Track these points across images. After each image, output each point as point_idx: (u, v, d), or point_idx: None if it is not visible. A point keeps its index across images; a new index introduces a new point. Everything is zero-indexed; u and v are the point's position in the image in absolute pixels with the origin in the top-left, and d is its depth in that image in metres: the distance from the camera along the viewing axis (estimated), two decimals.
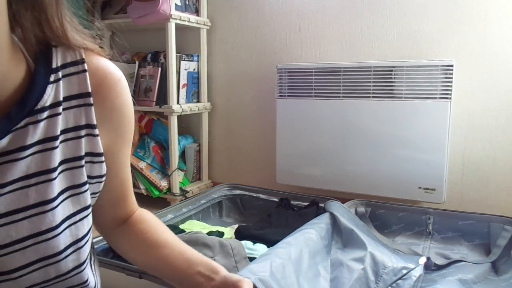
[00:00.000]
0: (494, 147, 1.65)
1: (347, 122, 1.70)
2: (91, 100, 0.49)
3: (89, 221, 0.52)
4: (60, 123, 0.47)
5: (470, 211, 1.45)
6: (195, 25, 2.06)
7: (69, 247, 0.49)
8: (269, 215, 1.55)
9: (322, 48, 1.92)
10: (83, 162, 0.50)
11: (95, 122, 0.50)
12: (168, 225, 1.41)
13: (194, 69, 2.13)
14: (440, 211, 1.44)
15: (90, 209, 0.52)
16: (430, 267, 1.15)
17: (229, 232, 1.44)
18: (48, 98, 0.45)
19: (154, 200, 2.03)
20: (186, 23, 1.99)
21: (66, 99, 0.48)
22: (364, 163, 1.69)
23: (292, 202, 1.60)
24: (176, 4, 1.94)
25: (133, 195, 0.65)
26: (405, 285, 1.07)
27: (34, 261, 0.46)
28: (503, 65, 1.60)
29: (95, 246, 1.16)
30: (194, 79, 2.14)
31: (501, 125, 1.63)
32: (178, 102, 2.02)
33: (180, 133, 2.12)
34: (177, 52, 1.99)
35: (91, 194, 0.52)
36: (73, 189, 0.49)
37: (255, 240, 1.31)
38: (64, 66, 0.48)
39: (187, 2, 2.03)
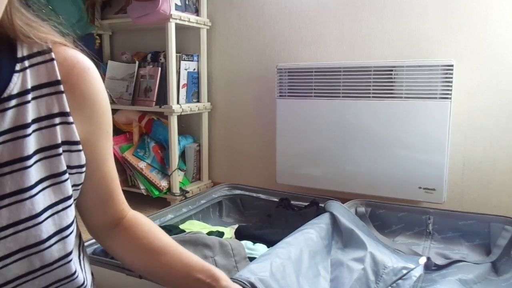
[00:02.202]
0: (494, 147, 1.65)
1: (347, 122, 1.70)
2: (62, 87, 0.50)
3: (72, 211, 0.52)
4: (31, 112, 0.47)
5: (470, 211, 1.45)
6: (195, 25, 2.06)
7: (53, 236, 0.49)
8: (269, 215, 1.55)
9: (322, 48, 1.92)
10: (60, 150, 0.50)
11: (68, 110, 0.50)
12: (168, 225, 1.41)
13: (194, 69, 2.13)
14: (440, 211, 1.44)
15: (72, 200, 0.52)
16: (430, 267, 1.15)
17: (229, 232, 1.44)
18: (14, 86, 0.46)
19: (154, 200, 2.03)
20: (186, 23, 1.99)
21: (36, 88, 0.48)
22: (364, 163, 1.69)
23: (292, 202, 1.60)
24: (176, 4, 1.94)
25: (122, 194, 0.64)
26: (405, 285, 1.07)
27: (16, 250, 0.46)
28: (503, 65, 1.60)
29: (95, 246, 1.16)
30: (194, 79, 2.14)
31: (501, 125, 1.63)
32: (178, 102, 2.02)
33: (180, 133, 2.12)
34: (177, 52, 1.99)
35: (72, 186, 0.53)
36: (52, 178, 0.50)
37: (255, 240, 1.31)
38: (30, 56, 0.48)
39: (187, 2, 2.03)
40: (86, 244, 1.13)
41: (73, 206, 0.53)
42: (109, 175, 0.60)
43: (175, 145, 1.99)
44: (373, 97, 1.65)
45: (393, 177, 1.65)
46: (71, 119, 0.51)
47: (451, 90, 1.52)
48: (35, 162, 0.48)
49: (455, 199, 1.73)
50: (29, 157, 0.47)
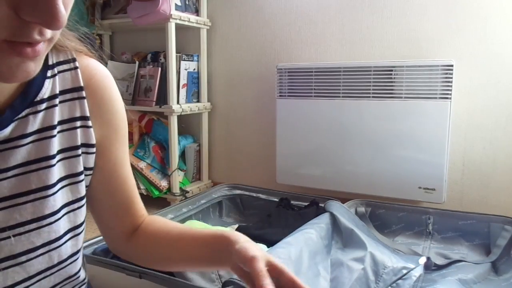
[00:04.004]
0: (494, 147, 1.65)
1: (347, 122, 1.70)
2: (84, 93, 0.53)
3: (84, 211, 0.56)
4: (57, 114, 0.51)
5: (470, 211, 1.45)
6: (195, 25, 2.06)
7: (68, 233, 0.52)
8: (269, 215, 1.55)
9: (322, 48, 1.92)
10: (79, 151, 0.53)
11: (88, 114, 0.54)
12: None
13: (194, 69, 2.13)
14: (440, 211, 1.44)
15: (85, 200, 0.55)
16: (430, 267, 1.15)
17: None
18: (46, 91, 0.49)
19: (154, 200, 2.03)
20: (186, 23, 1.99)
21: (62, 92, 0.51)
22: (364, 163, 1.69)
23: (292, 202, 1.60)
24: (176, 4, 1.94)
25: (141, 201, 0.65)
26: (405, 285, 1.07)
27: (39, 246, 0.49)
28: (503, 65, 1.60)
29: (95, 246, 1.16)
30: (194, 79, 2.14)
31: (501, 125, 1.63)
32: (178, 102, 2.02)
33: (180, 133, 2.12)
34: (177, 52, 1.99)
35: (86, 187, 0.56)
36: (71, 177, 0.53)
37: (255, 240, 1.31)
38: (58, 63, 0.52)
39: (187, 2, 2.03)
40: (85, 244, 1.14)
41: (85, 206, 0.56)
42: (127, 181, 0.62)
43: (175, 145, 1.99)
44: (373, 97, 1.65)
45: (393, 177, 1.65)
46: (90, 123, 0.54)
47: (451, 90, 1.52)
48: (57, 162, 0.51)
49: (455, 199, 1.73)
50: (53, 156, 0.50)
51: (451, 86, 1.52)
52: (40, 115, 0.49)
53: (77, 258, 0.54)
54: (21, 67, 0.37)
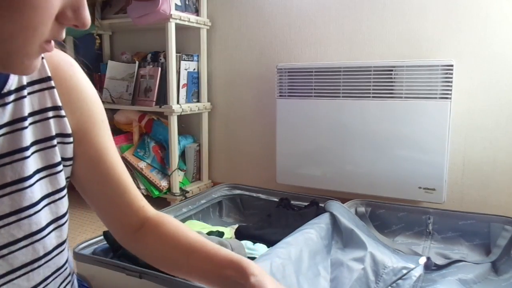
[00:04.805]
0: (494, 147, 1.65)
1: (347, 122, 1.70)
2: (52, 83, 0.54)
3: (66, 201, 0.56)
4: (27, 106, 0.51)
5: (470, 211, 1.45)
6: (195, 25, 2.06)
7: (50, 224, 0.53)
8: (269, 215, 1.55)
9: (322, 48, 1.92)
10: (54, 142, 0.54)
11: (60, 104, 0.54)
12: None
13: (194, 69, 2.13)
14: (440, 211, 1.44)
15: (65, 191, 0.56)
16: (430, 267, 1.15)
17: (229, 232, 1.44)
18: (12, 82, 0.49)
19: (154, 200, 2.03)
20: (186, 23, 1.99)
21: (29, 84, 0.52)
22: (364, 163, 1.69)
23: (292, 202, 1.60)
24: (176, 4, 1.94)
25: (138, 190, 0.64)
26: (405, 285, 1.07)
27: (20, 238, 0.49)
28: (503, 65, 1.60)
29: (95, 246, 1.16)
30: (194, 79, 2.14)
31: (501, 125, 1.63)
32: (178, 102, 2.02)
33: (180, 133, 2.12)
34: (177, 52, 1.99)
35: (66, 178, 0.56)
36: (48, 169, 0.53)
37: (255, 240, 1.31)
38: None
39: (187, 2, 2.03)
40: (84, 245, 1.14)
41: (66, 197, 0.56)
42: (116, 168, 0.61)
43: (175, 145, 1.99)
44: (373, 97, 1.65)
45: (393, 177, 1.65)
46: (63, 112, 0.54)
47: (451, 90, 1.52)
48: (32, 153, 0.51)
49: (455, 199, 1.73)
50: (27, 148, 0.50)
51: (451, 86, 1.52)
52: (9, 107, 0.49)
53: (63, 249, 0.55)
54: (38, 61, 0.43)
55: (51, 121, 0.53)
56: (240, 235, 1.38)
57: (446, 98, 1.53)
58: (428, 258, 1.15)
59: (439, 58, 1.65)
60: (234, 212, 1.74)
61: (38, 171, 0.52)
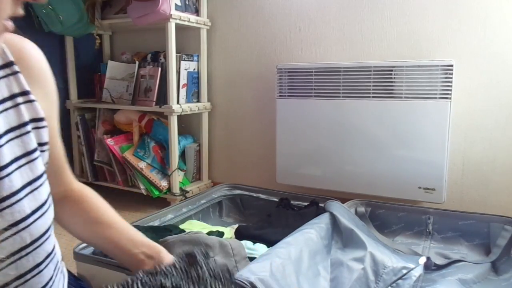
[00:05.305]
0: (494, 147, 1.65)
1: (347, 122, 1.70)
2: (16, 68, 0.52)
3: (47, 187, 0.56)
4: None
5: (470, 211, 1.45)
6: (195, 25, 2.06)
7: (35, 212, 0.52)
8: (269, 215, 1.55)
9: (322, 48, 1.92)
10: (29, 128, 0.53)
11: (28, 88, 0.53)
12: (168, 225, 1.41)
13: (194, 69, 2.13)
14: (440, 211, 1.44)
15: (45, 176, 0.55)
16: (430, 267, 1.15)
17: (229, 232, 1.44)
18: None
19: (154, 200, 2.03)
20: (186, 23, 1.99)
21: None
22: (364, 163, 1.69)
23: (292, 202, 1.60)
24: (176, 4, 1.94)
25: (67, 164, 0.68)
26: (405, 285, 1.07)
27: (5, 228, 0.49)
28: (503, 65, 1.60)
29: None
30: (194, 79, 2.14)
31: (501, 125, 1.63)
32: (178, 102, 2.02)
33: (180, 133, 2.12)
34: (177, 52, 1.99)
35: (45, 164, 0.56)
36: (26, 156, 0.52)
37: (255, 240, 1.31)
38: None
39: (187, 2, 2.03)
40: (84, 245, 1.13)
41: (47, 182, 0.56)
42: (60, 149, 0.65)
43: (175, 145, 1.99)
44: (373, 97, 1.65)
45: (393, 177, 1.65)
46: (32, 97, 0.53)
47: (451, 90, 1.52)
48: (7, 142, 0.50)
49: (455, 199, 1.73)
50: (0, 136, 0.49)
51: (451, 86, 1.52)
52: None
53: (50, 235, 0.55)
54: (2, 40, 0.43)
55: (22, 107, 0.52)
56: (240, 235, 1.38)
57: (446, 98, 1.53)
58: (428, 258, 1.16)
59: (439, 58, 1.65)
60: (234, 212, 1.74)
61: (16, 160, 0.51)
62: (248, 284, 0.84)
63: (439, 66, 1.54)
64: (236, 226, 1.49)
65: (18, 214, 0.49)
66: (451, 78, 1.52)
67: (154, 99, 2.05)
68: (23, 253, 0.51)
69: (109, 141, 2.10)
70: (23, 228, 0.50)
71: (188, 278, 0.57)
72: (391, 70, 1.62)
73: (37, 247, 0.52)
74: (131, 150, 2.10)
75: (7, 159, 0.49)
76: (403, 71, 1.60)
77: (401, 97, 1.61)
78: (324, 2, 1.89)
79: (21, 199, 0.50)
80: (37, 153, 0.53)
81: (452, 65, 1.52)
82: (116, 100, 2.17)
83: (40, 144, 0.54)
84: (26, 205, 0.51)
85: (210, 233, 1.36)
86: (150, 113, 2.15)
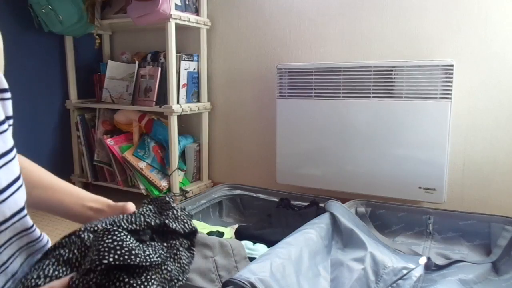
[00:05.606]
0: (495, 147, 1.65)
1: (347, 122, 1.70)
2: None
3: (17, 162, 0.54)
4: None
5: (470, 211, 1.45)
6: (195, 25, 2.06)
7: (12, 185, 0.51)
8: (269, 215, 1.55)
9: (322, 48, 1.92)
10: None
11: None
12: None
13: (194, 69, 2.13)
14: (441, 211, 1.44)
15: (15, 151, 0.54)
16: (430, 267, 1.15)
17: (229, 232, 1.43)
18: None
19: None
20: (186, 23, 1.99)
21: None
22: (364, 163, 1.69)
23: (292, 202, 1.60)
24: (176, 4, 1.94)
25: None
26: (406, 285, 1.07)
27: None
28: (504, 65, 1.60)
29: None
30: (194, 79, 2.14)
31: (501, 125, 1.63)
32: (178, 102, 2.02)
33: (180, 133, 2.12)
34: (177, 52, 1.99)
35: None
36: (2, 124, 0.51)
37: (255, 240, 1.31)
38: None
39: (187, 2, 2.03)
40: None
41: (17, 157, 0.55)
42: None
43: (175, 145, 1.99)
44: (373, 97, 1.65)
45: (393, 177, 1.65)
46: None
47: (451, 90, 1.52)
48: None
49: (455, 199, 1.73)
50: None
51: (451, 86, 1.52)
52: None
53: (25, 215, 0.55)
54: None
55: None
56: (240, 235, 1.37)
57: (446, 98, 1.53)
58: (429, 258, 1.15)
59: (439, 58, 1.65)
60: (234, 212, 1.74)
61: None
62: (248, 284, 0.84)
63: (439, 66, 1.54)
64: (236, 226, 1.49)
65: None
66: (452, 78, 1.52)
67: (154, 99, 2.05)
68: (2, 227, 0.50)
69: (109, 141, 2.10)
70: (1, 202, 0.49)
71: (166, 216, 0.62)
72: (391, 70, 1.62)
73: (16, 221, 0.52)
74: (131, 150, 2.10)
75: None
76: (403, 71, 1.60)
77: (401, 97, 1.61)
78: (324, 2, 1.88)
79: None
80: (5, 125, 0.52)
81: (452, 65, 1.52)
82: (116, 100, 2.17)
83: (8, 118, 0.53)
84: (2, 178, 0.49)
85: (210, 233, 1.36)
86: (150, 113, 2.15)
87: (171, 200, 0.65)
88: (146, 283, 0.48)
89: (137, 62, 2.15)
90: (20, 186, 0.53)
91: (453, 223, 1.41)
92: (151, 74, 2.09)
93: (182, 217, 0.62)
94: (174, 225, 0.60)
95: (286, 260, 1.00)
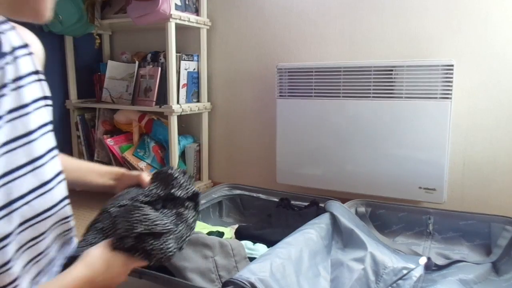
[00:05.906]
0: (495, 147, 1.65)
1: (347, 122, 1.70)
2: (31, 49, 0.63)
3: (57, 157, 0.65)
4: (24, 66, 0.59)
5: (470, 211, 1.45)
6: (195, 25, 2.05)
7: (57, 176, 0.62)
8: (269, 215, 1.55)
9: (322, 48, 1.92)
10: (49, 101, 0.63)
11: (39, 68, 0.63)
12: None
13: (194, 69, 2.13)
14: (441, 211, 1.44)
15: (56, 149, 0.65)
16: (430, 267, 1.14)
17: (229, 232, 1.43)
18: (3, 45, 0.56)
19: None
20: (186, 23, 1.99)
21: (18, 47, 0.60)
22: (364, 163, 1.69)
23: (292, 202, 1.60)
24: (176, 4, 1.93)
25: None
26: (406, 285, 1.07)
27: (36, 187, 0.57)
28: (504, 65, 1.60)
29: None
30: (194, 79, 2.14)
31: (501, 125, 1.63)
32: (178, 102, 2.02)
33: (180, 133, 2.12)
34: (177, 52, 1.99)
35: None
36: (49, 124, 0.62)
37: (255, 240, 1.31)
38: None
39: (187, 2, 2.03)
40: None
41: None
42: None
43: (175, 145, 1.99)
44: (373, 97, 1.65)
45: (393, 177, 1.65)
46: (43, 76, 0.63)
47: (451, 90, 1.52)
48: (35, 109, 0.59)
49: (455, 199, 1.73)
50: (27, 105, 0.58)
51: (451, 86, 1.52)
52: (9, 67, 0.55)
53: (69, 203, 0.65)
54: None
55: (43, 83, 0.62)
56: (240, 235, 1.37)
57: (447, 98, 1.53)
58: (429, 258, 1.15)
59: (439, 58, 1.65)
60: (234, 212, 1.73)
61: (42, 126, 0.60)
62: (248, 284, 0.84)
63: (439, 66, 1.54)
64: (236, 226, 1.48)
65: (44, 176, 0.58)
66: (452, 78, 1.52)
67: (154, 99, 2.05)
68: (52, 212, 0.60)
69: (109, 141, 2.10)
70: (47, 191, 0.59)
71: (172, 186, 0.78)
72: (392, 70, 1.62)
73: (61, 208, 0.62)
74: (131, 150, 2.09)
75: (35, 125, 0.58)
76: (404, 71, 1.60)
77: (401, 97, 1.60)
78: (324, 2, 1.88)
79: (46, 163, 0.59)
80: (51, 126, 0.63)
81: (452, 65, 1.51)
82: (116, 100, 2.17)
83: (51, 122, 0.63)
84: (52, 168, 0.60)
85: (210, 233, 1.36)
86: (150, 113, 2.15)
87: (173, 171, 0.80)
88: (165, 243, 0.68)
89: (137, 62, 2.15)
90: (62, 180, 0.63)
91: (453, 223, 1.41)
92: (151, 74, 2.09)
93: (184, 184, 0.79)
94: (179, 192, 0.78)
95: (286, 260, 1.00)
